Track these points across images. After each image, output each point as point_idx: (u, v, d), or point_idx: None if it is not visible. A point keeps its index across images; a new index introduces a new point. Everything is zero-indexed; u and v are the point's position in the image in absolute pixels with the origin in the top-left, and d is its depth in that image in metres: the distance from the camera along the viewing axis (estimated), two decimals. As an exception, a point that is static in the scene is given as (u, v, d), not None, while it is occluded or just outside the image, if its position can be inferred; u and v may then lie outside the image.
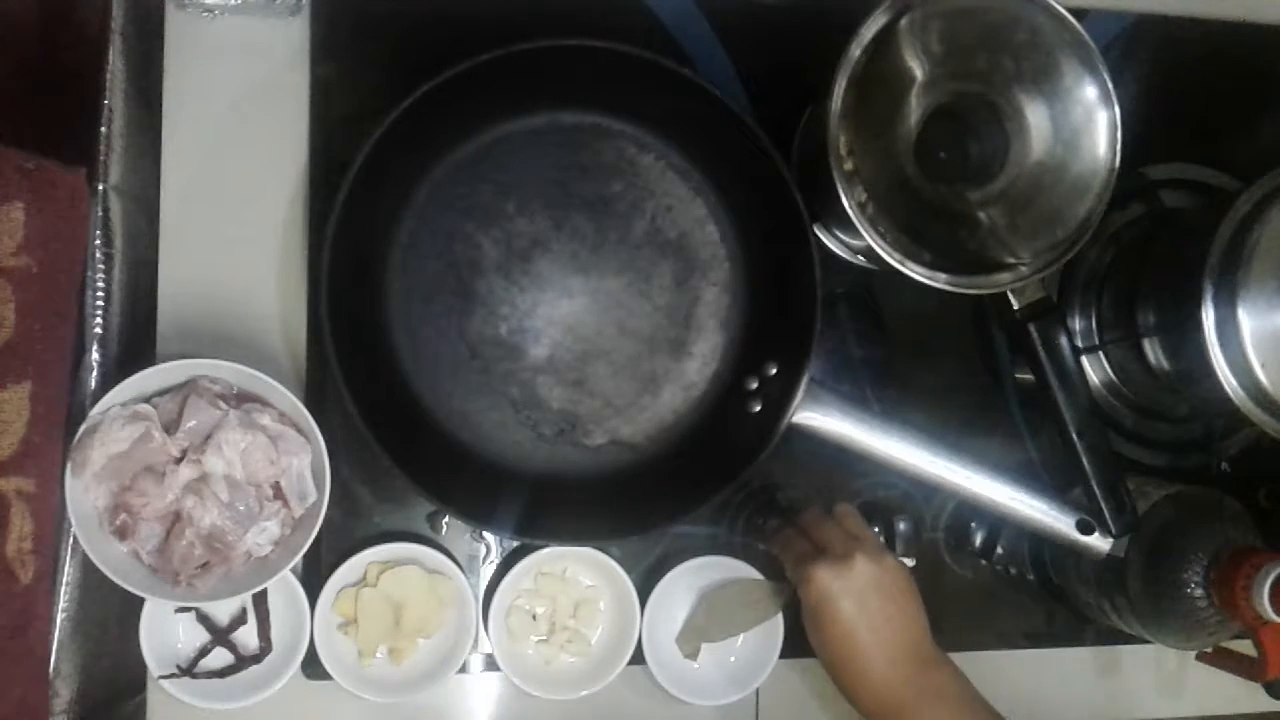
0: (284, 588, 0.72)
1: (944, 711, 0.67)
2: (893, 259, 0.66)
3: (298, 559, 0.67)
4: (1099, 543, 0.71)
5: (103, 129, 0.66)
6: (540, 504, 0.72)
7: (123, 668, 0.71)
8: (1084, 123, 0.66)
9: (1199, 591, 0.70)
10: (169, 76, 0.73)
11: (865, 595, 0.67)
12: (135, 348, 0.70)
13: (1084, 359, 0.79)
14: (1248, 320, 0.65)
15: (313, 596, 0.72)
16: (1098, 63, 0.66)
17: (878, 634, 0.67)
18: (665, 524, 0.74)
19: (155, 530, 0.65)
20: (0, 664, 0.59)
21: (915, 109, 0.65)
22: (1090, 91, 0.66)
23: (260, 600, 0.73)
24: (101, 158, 0.66)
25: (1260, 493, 0.83)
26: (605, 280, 0.76)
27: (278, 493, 0.67)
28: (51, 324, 0.62)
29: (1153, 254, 0.76)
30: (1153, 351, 0.75)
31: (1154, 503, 0.73)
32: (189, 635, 0.72)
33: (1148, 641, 0.75)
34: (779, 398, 0.71)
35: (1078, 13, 0.65)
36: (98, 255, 0.66)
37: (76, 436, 0.64)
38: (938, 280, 0.67)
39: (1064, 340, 0.71)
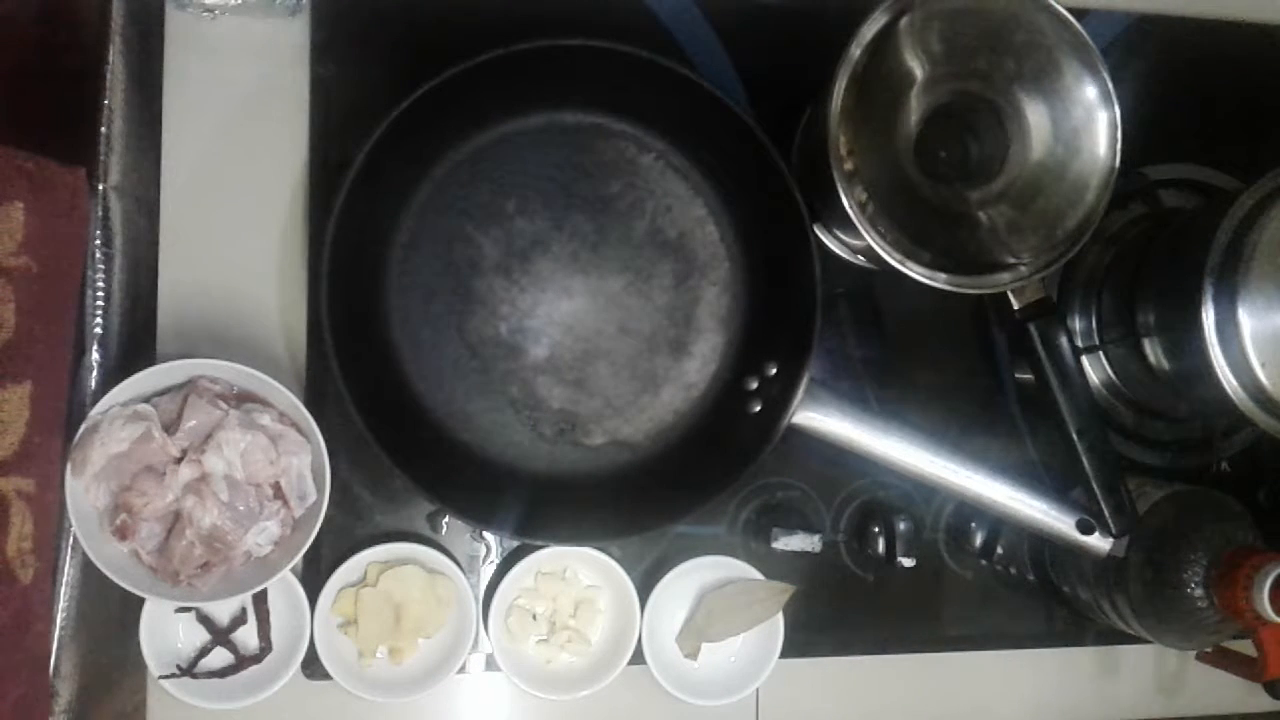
0: (284, 588, 0.72)
1: None
2: (893, 259, 0.66)
3: (298, 559, 0.67)
4: (1099, 543, 0.71)
5: (103, 129, 0.66)
6: (540, 504, 0.72)
7: (123, 668, 0.71)
8: (1084, 123, 0.66)
9: (1199, 591, 0.70)
10: (169, 76, 0.73)
11: None
12: (135, 348, 0.70)
13: (1084, 359, 0.79)
14: (1248, 320, 0.65)
15: (313, 596, 0.72)
16: (1098, 63, 0.66)
17: None
18: (665, 524, 0.74)
19: (155, 530, 0.65)
20: (0, 664, 0.59)
21: (915, 109, 0.65)
22: (1090, 91, 0.66)
23: (260, 600, 0.73)
24: (101, 158, 0.66)
25: (1260, 493, 0.83)
26: (605, 280, 0.76)
27: (278, 493, 0.67)
28: (51, 324, 0.62)
29: (1153, 254, 0.76)
30: (1153, 351, 0.75)
31: (1154, 503, 0.73)
32: (189, 635, 0.72)
33: (1148, 641, 0.75)
34: (779, 398, 0.71)
35: (1078, 13, 0.65)
36: (98, 255, 0.66)
37: (76, 436, 0.64)
38: (938, 280, 0.67)
39: (1064, 340, 0.71)
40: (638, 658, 0.75)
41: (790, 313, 0.72)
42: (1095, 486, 0.71)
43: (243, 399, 0.68)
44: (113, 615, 0.69)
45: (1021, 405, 0.82)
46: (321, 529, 0.67)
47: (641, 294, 0.76)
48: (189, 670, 0.71)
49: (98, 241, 0.66)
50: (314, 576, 0.73)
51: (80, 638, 0.64)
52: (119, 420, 0.64)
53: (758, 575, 0.78)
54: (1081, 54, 0.66)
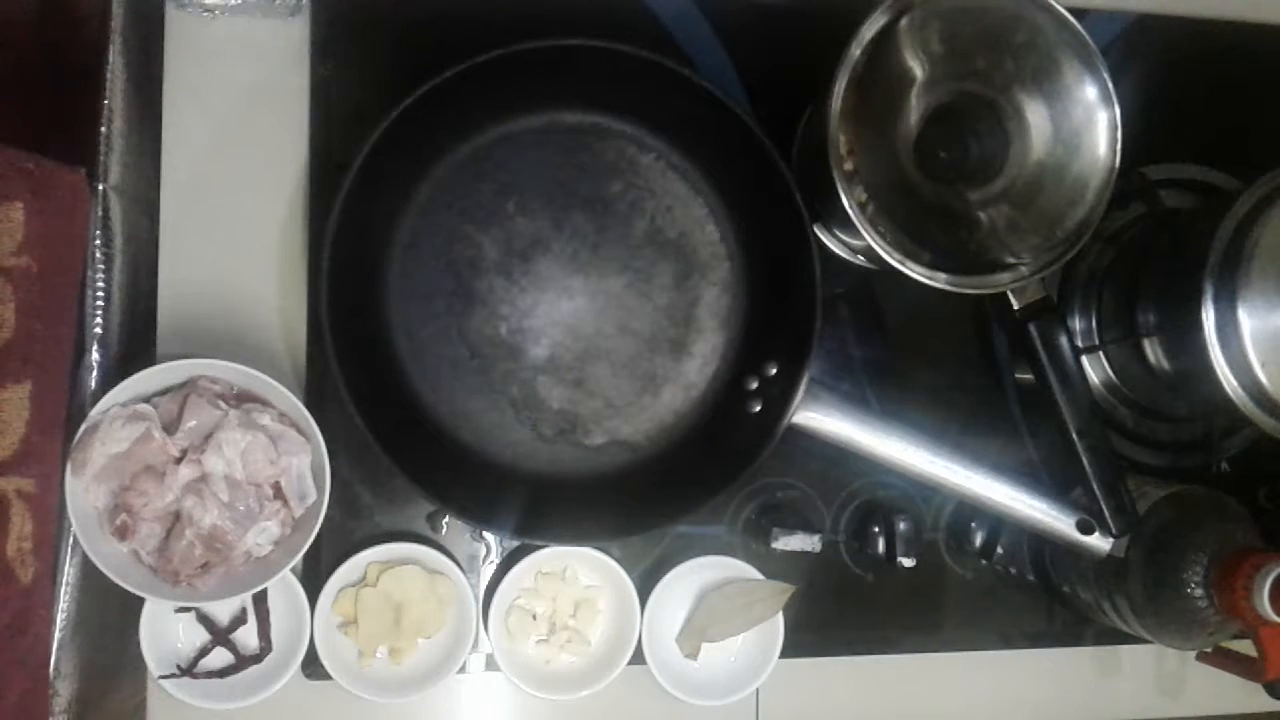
0: (284, 588, 0.72)
1: None
2: (893, 259, 0.66)
3: (298, 559, 0.67)
4: (1099, 543, 0.71)
5: (103, 129, 0.66)
6: (540, 504, 0.72)
7: (123, 668, 0.71)
8: (1084, 123, 0.66)
9: (1199, 591, 0.70)
10: (169, 76, 0.73)
11: None
12: (135, 348, 0.70)
13: (1084, 359, 0.79)
14: (1248, 320, 0.65)
15: (313, 596, 0.72)
16: (1098, 63, 0.66)
17: None
18: (665, 524, 0.74)
19: (155, 530, 0.65)
20: (0, 664, 0.59)
21: (915, 109, 0.65)
22: (1090, 91, 0.66)
23: (260, 600, 0.73)
24: (101, 158, 0.66)
25: (1260, 493, 0.83)
26: (605, 280, 0.76)
27: (278, 493, 0.67)
28: (51, 324, 0.62)
29: (1153, 254, 0.76)
30: (1153, 351, 0.75)
31: (1154, 503, 0.73)
32: (189, 635, 0.72)
33: (1148, 641, 0.75)
34: (779, 398, 0.71)
35: (1078, 13, 0.65)
36: (98, 255, 0.66)
37: (76, 436, 0.64)
38: (938, 280, 0.67)
39: (1064, 340, 0.71)
40: (638, 658, 0.75)
41: (790, 313, 0.72)
42: (1095, 486, 0.71)
43: (243, 399, 0.68)
44: (113, 615, 0.69)
45: (1021, 405, 0.82)
46: (321, 529, 0.68)
47: (641, 294, 0.76)
48: (189, 670, 0.71)
49: (98, 241, 0.66)
50: (314, 576, 0.73)
51: (80, 638, 0.64)
52: (119, 420, 0.64)
53: (758, 575, 0.78)
54: (1081, 54, 0.66)
